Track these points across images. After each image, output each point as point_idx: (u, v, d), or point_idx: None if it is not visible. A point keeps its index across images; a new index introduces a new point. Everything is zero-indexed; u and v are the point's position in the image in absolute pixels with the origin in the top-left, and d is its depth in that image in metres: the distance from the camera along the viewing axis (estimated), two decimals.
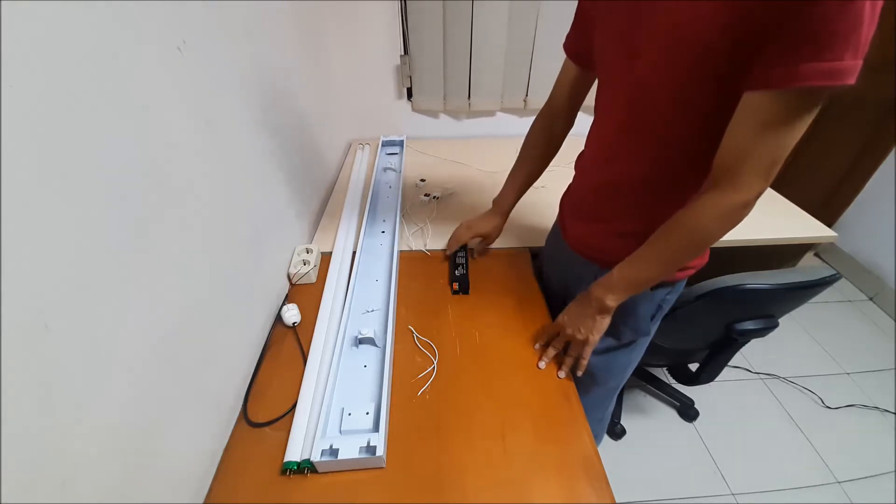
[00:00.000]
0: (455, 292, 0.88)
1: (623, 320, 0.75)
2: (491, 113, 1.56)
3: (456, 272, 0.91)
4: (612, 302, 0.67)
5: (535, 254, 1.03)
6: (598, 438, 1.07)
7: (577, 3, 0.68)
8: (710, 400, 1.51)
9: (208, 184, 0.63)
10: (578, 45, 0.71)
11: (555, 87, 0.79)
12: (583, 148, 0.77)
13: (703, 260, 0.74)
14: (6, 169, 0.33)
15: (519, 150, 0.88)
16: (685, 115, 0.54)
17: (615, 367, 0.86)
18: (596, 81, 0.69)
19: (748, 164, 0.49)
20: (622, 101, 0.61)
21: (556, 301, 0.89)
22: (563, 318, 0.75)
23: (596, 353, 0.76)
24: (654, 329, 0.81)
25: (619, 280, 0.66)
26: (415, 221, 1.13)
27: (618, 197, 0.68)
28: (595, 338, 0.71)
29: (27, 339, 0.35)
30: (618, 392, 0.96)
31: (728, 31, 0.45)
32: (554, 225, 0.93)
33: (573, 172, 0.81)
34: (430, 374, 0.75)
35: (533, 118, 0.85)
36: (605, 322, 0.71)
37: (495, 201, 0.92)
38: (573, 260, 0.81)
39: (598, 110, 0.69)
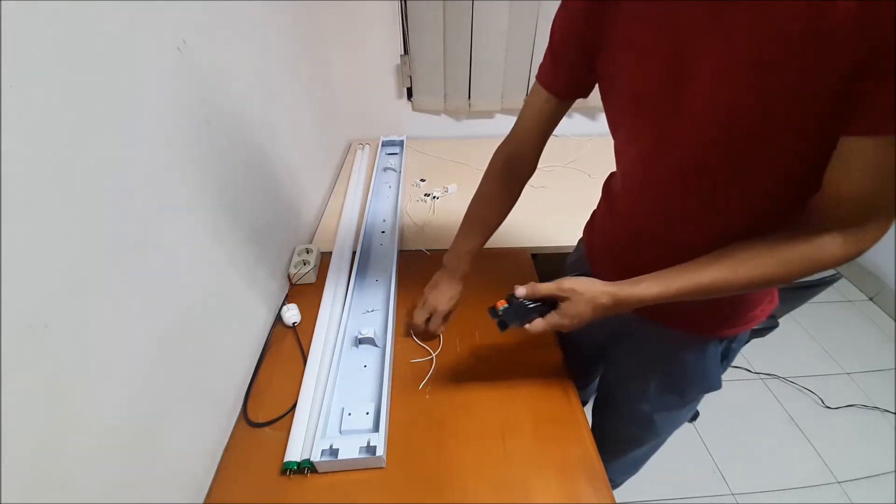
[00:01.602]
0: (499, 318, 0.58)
1: (693, 379, 0.68)
2: (491, 113, 1.56)
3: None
4: (630, 308, 0.53)
5: (534, 255, 1.03)
6: (623, 476, 0.99)
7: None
8: (710, 400, 1.50)
9: (208, 183, 0.63)
10: (570, 74, 0.58)
11: (519, 125, 0.68)
12: (613, 170, 0.66)
13: (773, 304, 0.64)
14: (6, 168, 0.33)
15: (471, 201, 0.75)
16: (765, 161, 0.44)
17: (673, 424, 0.79)
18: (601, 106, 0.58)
19: (876, 210, 0.43)
20: (673, 140, 0.49)
21: (580, 350, 0.80)
22: (569, 322, 0.55)
23: (657, 411, 0.73)
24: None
25: (670, 294, 0.50)
26: (415, 221, 1.13)
27: (674, 254, 0.52)
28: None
29: (27, 338, 0.35)
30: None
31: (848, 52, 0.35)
32: (581, 259, 0.77)
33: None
34: (431, 373, 0.75)
35: None
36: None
37: (449, 265, 0.78)
38: (647, 346, 0.70)
39: (631, 143, 0.56)
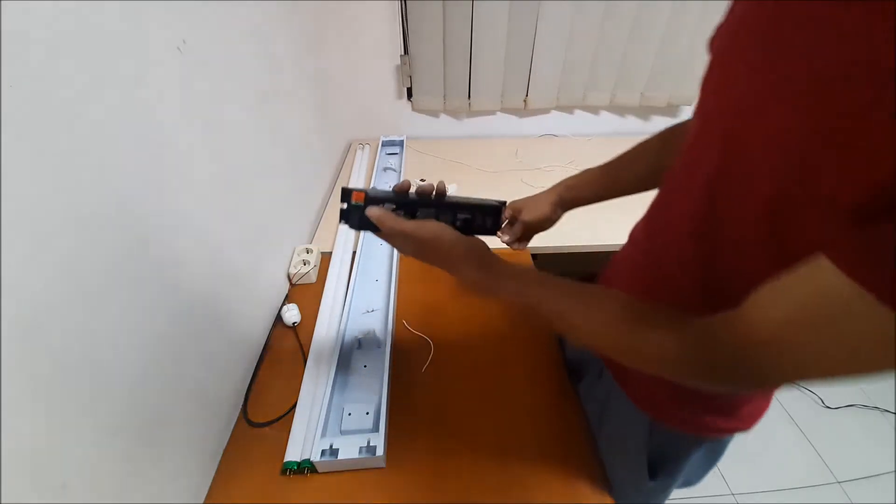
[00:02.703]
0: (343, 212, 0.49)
1: (673, 467, 0.59)
2: (491, 113, 1.56)
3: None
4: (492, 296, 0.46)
5: (534, 255, 1.03)
6: None
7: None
8: None
9: (208, 183, 0.63)
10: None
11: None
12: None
13: (767, 403, 0.56)
14: (6, 168, 0.33)
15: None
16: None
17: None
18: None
19: (767, 357, 0.31)
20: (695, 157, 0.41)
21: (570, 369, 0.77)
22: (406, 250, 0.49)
23: (627, 490, 0.62)
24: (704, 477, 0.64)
25: (522, 303, 0.45)
26: None
27: (662, 294, 0.46)
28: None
29: (27, 338, 0.35)
30: None
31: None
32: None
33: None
34: (431, 374, 0.75)
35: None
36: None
37: (558, 183, 0.68)
38: (604, 377, 0.62)
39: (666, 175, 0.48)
